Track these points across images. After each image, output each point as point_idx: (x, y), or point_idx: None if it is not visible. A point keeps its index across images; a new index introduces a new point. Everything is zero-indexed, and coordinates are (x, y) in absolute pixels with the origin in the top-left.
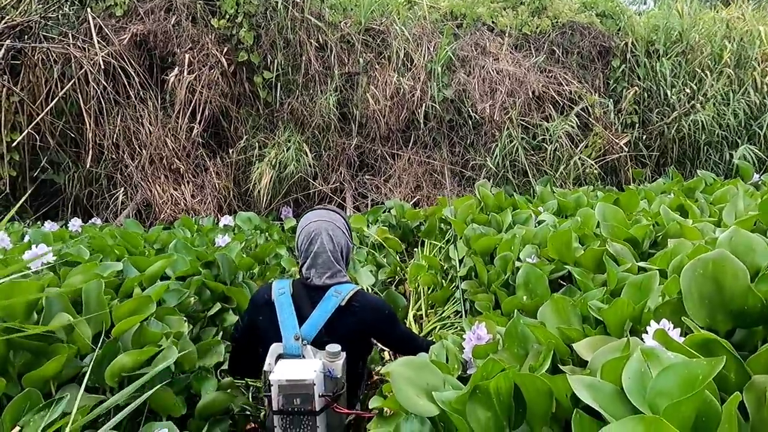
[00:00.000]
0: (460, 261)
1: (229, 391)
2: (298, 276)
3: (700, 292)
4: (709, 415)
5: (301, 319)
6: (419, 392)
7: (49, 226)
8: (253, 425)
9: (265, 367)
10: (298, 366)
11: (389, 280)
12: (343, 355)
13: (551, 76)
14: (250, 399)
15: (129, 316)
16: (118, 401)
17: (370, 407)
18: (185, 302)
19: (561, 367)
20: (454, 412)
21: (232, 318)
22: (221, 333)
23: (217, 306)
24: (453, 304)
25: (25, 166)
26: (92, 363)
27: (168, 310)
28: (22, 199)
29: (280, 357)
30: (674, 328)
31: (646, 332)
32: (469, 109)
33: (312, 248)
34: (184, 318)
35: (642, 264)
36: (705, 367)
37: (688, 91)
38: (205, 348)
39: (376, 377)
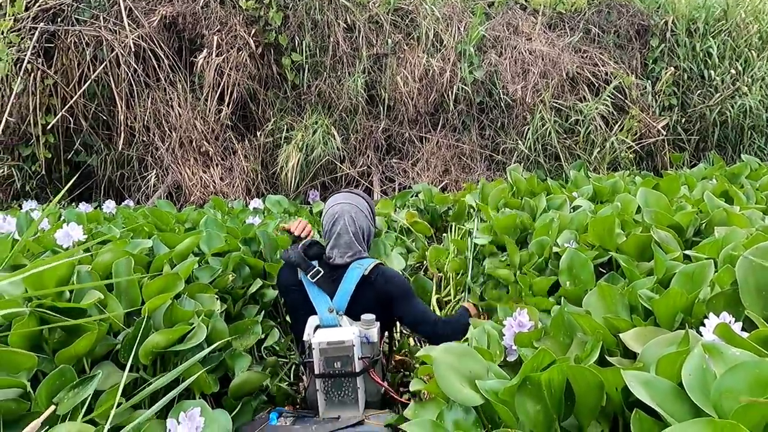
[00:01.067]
0: (474, 247)
1: (263, 371)
2: None
3: (757, 283)
4: None
5: (331, 291)
6: (462, 380)
7: (84, 208)
8: (291, 407)
9: (305, 338)
10: (338, 330)
11: (417, 264)
12: (377, 323)
13: (586, 57)
14: (291, 378)
15: (158, 294)
16: (162, 384)
17: (411, 390)
18: (222, 280)
19: (608, 358)
20: (500, 403)
21: (272, 294)
22: (263, 311)
23: (258, 282)
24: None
25: (59, 148)
26: (123, 341)
27: (201, 287)
28: (68, 185)
29: (317, 327)
30: (735, 321)
31: (703, 325)
32: (500, 91)
33: (335, 229)
34: (216, 296)
35: (689, 252)
36: None
37: (732, 72)
38: (242, 328)
39: (398, 358)
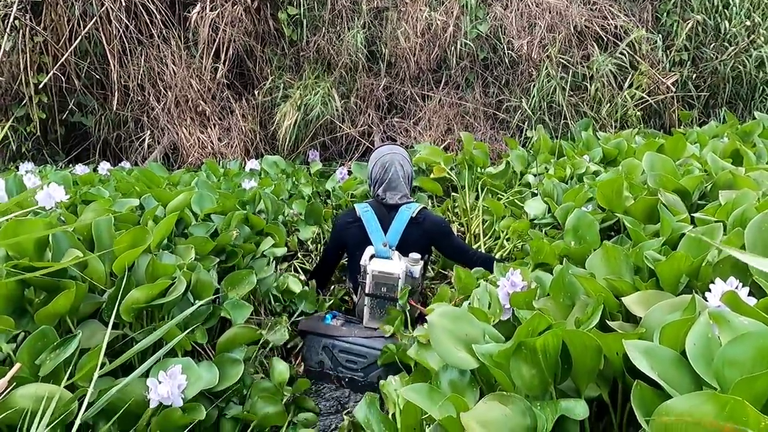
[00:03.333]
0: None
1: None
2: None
3: (765, 248)
4: None
5: (384, 228)
6: (458, 344)
7: (80, 169)
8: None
9: (361, 262)
10: (389, 263)
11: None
12: (422, 262)
13: (595, 9)
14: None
15: (128, 249)
16: (143, 348)
17: (414, 335)
18: (226, 236)
19: (609, 323)
20: (495, 366)
21: (281, 251)
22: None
23: (269, 241)
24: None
25: (54, 108)
26: (106, 299)
27: (199, 241)
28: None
29: (372, 256)
30: (742, 286)
31: (708, 290)
32: (505, 46)
33: (387, 175)
34: (191, 251)
35: (696, 215)
36: None
37: (748, 23)
38: (237, 279)
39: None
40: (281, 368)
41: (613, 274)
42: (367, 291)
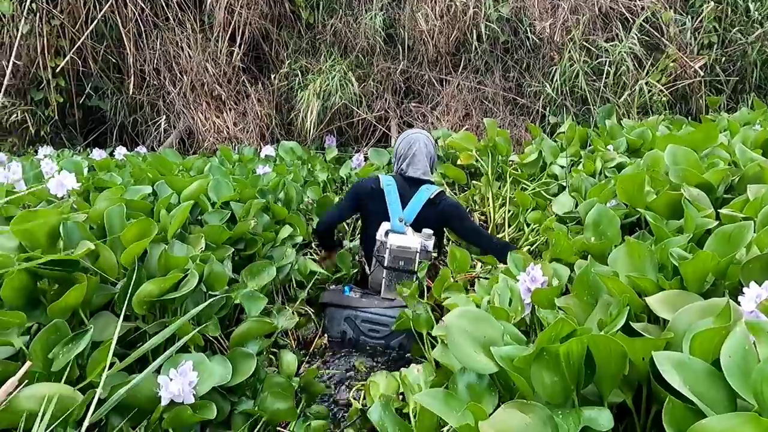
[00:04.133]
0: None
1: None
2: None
3: None
4: None
5: (402, 204)
6: (476, 346)
7: (98, 154)
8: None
9: (378, 237)
10: (406, 237)
11: None
12: (434, 237)
13: None
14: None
15: (135, 241)
16: (155, 345)
17: (434, 334)
18: (244, 225)
19: (634, 325)
20: (514, 371)
21: (299, 239)
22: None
23: (288, 229)
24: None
25: (71, 92)
26: (118, 291)
27: (214, 230)
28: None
29: (388, 232)
30: None
31: (741, 293)
32: (527, 28)
33: (412, 150)
34: (202, 240)
35: (722, 210)
36: None
37: None
38: (255, 270)
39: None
40: (289, 359)
41: (636, 271)
42: (386, 264)
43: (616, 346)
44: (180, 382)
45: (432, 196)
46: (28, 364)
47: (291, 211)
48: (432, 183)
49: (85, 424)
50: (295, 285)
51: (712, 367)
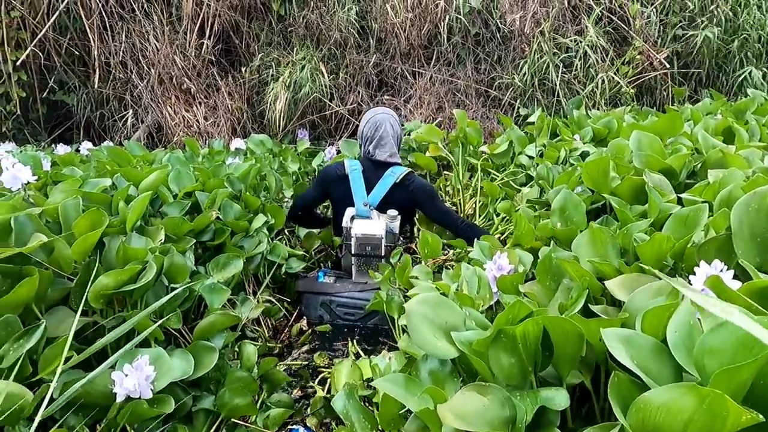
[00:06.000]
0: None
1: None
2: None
3: (752, 229)
4: None
5: (368, 188)
6: (437, 332)
7: (62, 149)
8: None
9: (343, 224)
10: (371, 224)
11: None
12: (399, 217)
13: None
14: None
15: (87, 232)
16: (111, 340)
17: (399, 324)
18: (205, 217)
19: (593, 307)
20: (474, 355)
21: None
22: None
23: (261, 218)
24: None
25: (34, 86)
26: (73, 285)
27: (174, 222)
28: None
29: (353, 218)
30: (727, 269)
31: (693, 273)
32: (498, 21)
33: (378, 133)
34: (161, 232)
35: (683, 195)
36: None
37: None
38: (222, 262)
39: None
40: (250, 350)
41: (598, 256)
42: (352, 251)
43: (573, 327)
44: (136, 377)
45: (398, 180)
46: None
47: (269, 201)
48: (399, 165)
49: (36, 420)
50: (266, 273)
51: (660, 343)
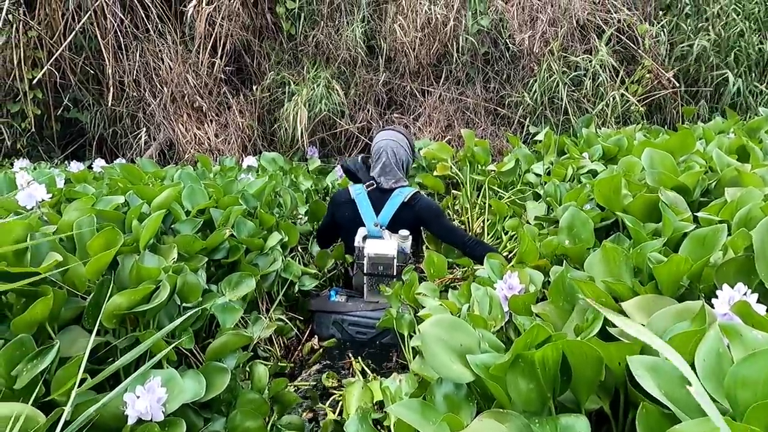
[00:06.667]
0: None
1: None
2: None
3: None
4: None
5: (376, 210)
6: (452, 355)
7: (75, 167)
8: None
9: (355, 243)
10: (383, 244)
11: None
12: (411, 237)
13: (598, 2)
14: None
15: (101, 251)
16: (124, 364)
17: (412, 344)
18: (218, 235)
19: (610, 329)
20: (491, 379)
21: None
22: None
23: (276, 236)
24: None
25: (49, 104)
26: (87, 305)
27: (186, 240)
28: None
29: (365, 237)
30: (750, 292)
31: (715, 296)
32: (507, 40)
33: (381, 161)
34: (174, 250)
35: (699, 214)
36: None
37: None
38: (234, 280)
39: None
40: (261, 371)
41: (611, 276)
42: (365, 271)
43: (592, 352)
44: (147, 399)
45: (406, 199)
46: None
47: (283, 218)
48: (406, 185)
49: None
50: (280, 291)
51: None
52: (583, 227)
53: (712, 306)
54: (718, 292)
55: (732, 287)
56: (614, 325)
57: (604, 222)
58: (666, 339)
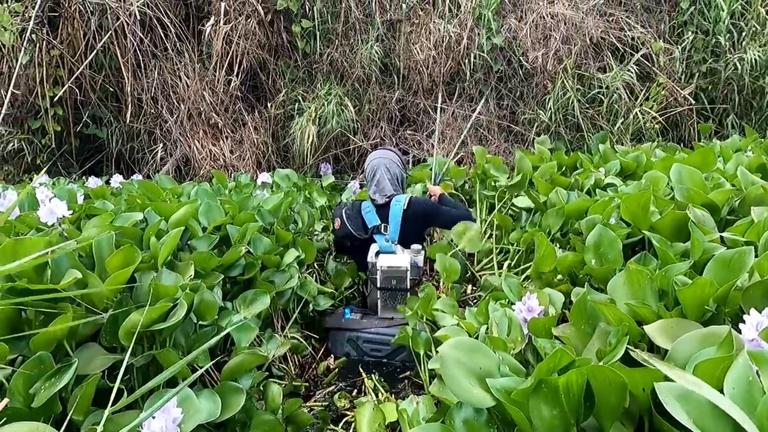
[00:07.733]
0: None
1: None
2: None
3: None
4: None
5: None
6: (472, 378)
7: (93, 182)
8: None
9: (369, 259)
10: (396, 258)
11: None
12: (424, 252)
13: (612, 20)
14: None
15: (120, 269)
16: (143, 393)
17: (429, 367)
18: (235, 252)
19: (633, 354)
20: (512, 404)
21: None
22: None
23: (293, 253)
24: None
25: (69, 121)
26: (105, 322)
27: (203, 257)
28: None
29: (378, 253)
30: None
31: (742, 320)
32: (520, 58)
33: (375, 179)
34: (191, 267)
35: (725, 234)
36: None
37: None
38: (249, 298)
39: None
40: (275, 391)
41: (636, 298)
42: (378, 285)
43: (616, 378)
44: (163, 419)
45: (405, 206)
46: (5, 401)
47: (300, 235)
48: (399, 194)
49: None
50: (296, 309)
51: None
52: (611, 247)
53: (738, 331)
54: (745, 317)
55: (759, 311)
56: (637, 347)
57: (630, 239)
58: (692, 365)
